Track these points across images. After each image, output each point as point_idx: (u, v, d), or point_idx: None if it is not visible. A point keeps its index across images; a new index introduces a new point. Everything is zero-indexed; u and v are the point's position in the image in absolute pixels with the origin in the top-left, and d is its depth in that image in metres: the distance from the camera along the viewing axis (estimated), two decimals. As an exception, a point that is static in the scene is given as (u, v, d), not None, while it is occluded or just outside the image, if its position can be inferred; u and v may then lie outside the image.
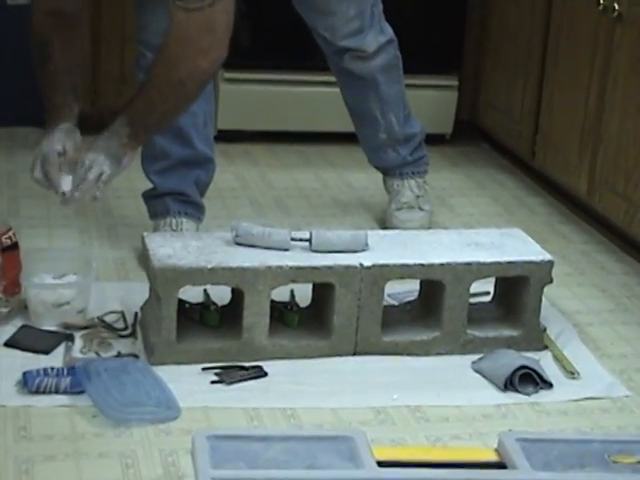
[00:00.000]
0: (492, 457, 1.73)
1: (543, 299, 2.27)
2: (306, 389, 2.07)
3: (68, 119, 2.15)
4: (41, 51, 2.19)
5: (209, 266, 2.09)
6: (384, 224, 2.90)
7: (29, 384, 1.96)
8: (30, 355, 2.10)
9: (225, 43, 2.09)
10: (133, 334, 2.22)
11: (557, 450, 1.73)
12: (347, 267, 2.15)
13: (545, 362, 2.20)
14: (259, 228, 2.20)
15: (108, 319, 2.26)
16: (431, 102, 3.53)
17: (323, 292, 2.21)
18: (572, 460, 1.75)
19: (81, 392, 1.96)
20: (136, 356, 2.13)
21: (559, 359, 2.23)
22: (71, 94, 2.16)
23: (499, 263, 2.23)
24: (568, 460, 1.75)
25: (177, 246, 2.16)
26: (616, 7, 2.74)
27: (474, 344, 2.24)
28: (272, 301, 2.14)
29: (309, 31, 2.73)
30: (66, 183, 2.10)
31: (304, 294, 2.29)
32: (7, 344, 2.13)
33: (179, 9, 2.04)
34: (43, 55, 2.18)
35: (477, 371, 2.18)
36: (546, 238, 2.86)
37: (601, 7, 2.81)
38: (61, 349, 2.13)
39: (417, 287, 2.34)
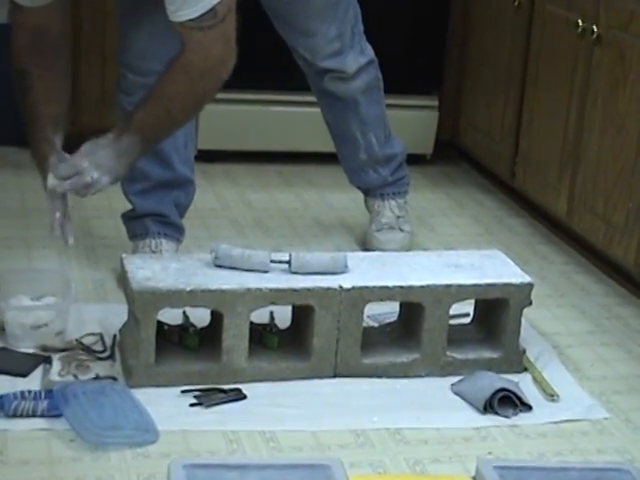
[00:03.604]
0: (470, 484, 1.73)
1: (523, 321, 2.27)
2: (285, 412, 2.07)
3: (50, 153, 2.13)
4: (20, 82, 2.19)
5: (188, 288, 2.08)
6: (364, 245, 2.90)
7: (6, 408, 1.95)
8: (7, 378, 2.08)
9: (235, 49, 2.13)
10: (111, 356, 2.20)
11: (535, 478, 1.73)
12: (326, 289, 2.14)
13: (524, 384, 2.20)
14: (238, 250, 2.20)
15: (86, 341, 2.24)
16: (412, 122, 3.54)
17: (303, 314, 2.20)
18: (550, 487, 1.75)
19: (59, 415, 1.94)
20: (114, 379, 2.11)
21: (538, 381, 2.23)
22: (50, 126, 2.16)
23: (479, 285, 2.23)
24: (546, 487, 1.74)
25: (156, 268, 2.15)
26: (595, 29, 2.76)
27: (454, 366, 2.24)
28: (251, 323, 2.14)
29: (290, 51, 2.74)
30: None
31: (284, 316, 2.28)
32: (-16, 367, 2.12)
33: (193, 29, 2.07)
34: (22, 86, 2.19)
35: (457, 393, 2.18)
36: (526, 259, 2.87)
37: (580, 29, 2.83)
38: (39, 372, 2.11)
39: (397, 307, 2.33)
